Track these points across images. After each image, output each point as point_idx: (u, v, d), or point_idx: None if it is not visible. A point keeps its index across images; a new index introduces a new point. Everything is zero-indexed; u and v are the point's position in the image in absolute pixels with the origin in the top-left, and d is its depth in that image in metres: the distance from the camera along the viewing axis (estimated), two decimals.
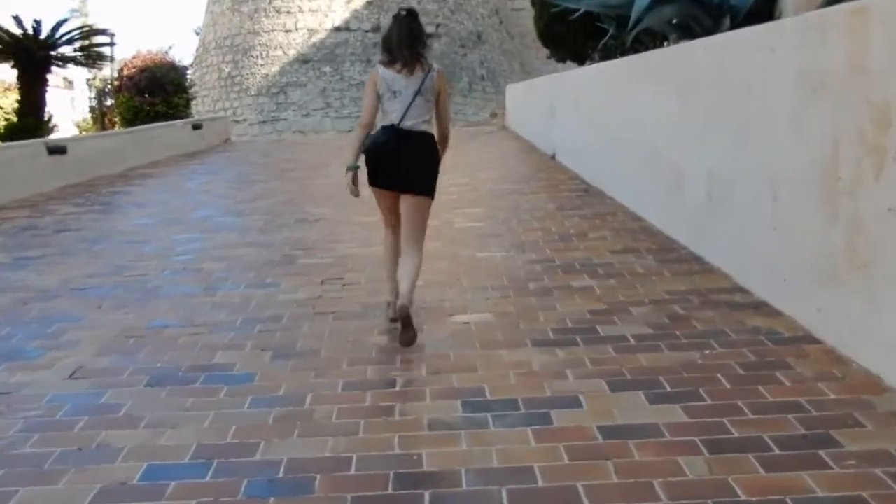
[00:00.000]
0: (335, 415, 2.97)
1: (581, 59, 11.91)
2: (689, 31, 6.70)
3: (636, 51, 8.42)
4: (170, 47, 17.71)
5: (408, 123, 3.94)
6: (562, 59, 12.53)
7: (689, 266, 4.91)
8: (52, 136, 11.72)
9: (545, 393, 3.11)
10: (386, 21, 20.05)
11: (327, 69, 21.93)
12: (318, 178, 9.26)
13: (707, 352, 3.52)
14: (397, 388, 3.25)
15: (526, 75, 27.16)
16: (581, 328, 3.89)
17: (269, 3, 22.63)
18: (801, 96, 3.67)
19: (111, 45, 13.39)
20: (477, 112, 22.68)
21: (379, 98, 3.98)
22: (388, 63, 3.99)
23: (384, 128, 3.98)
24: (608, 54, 8.89)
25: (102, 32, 13.81)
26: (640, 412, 2.90)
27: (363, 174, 4.01)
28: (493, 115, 23.11)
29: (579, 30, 11.23)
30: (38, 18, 11.38)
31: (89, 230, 6.69)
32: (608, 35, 9.04)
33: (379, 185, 4.03)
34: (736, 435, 2.67)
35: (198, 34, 25.40)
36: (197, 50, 25.06)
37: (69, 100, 65.50)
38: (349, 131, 21.18)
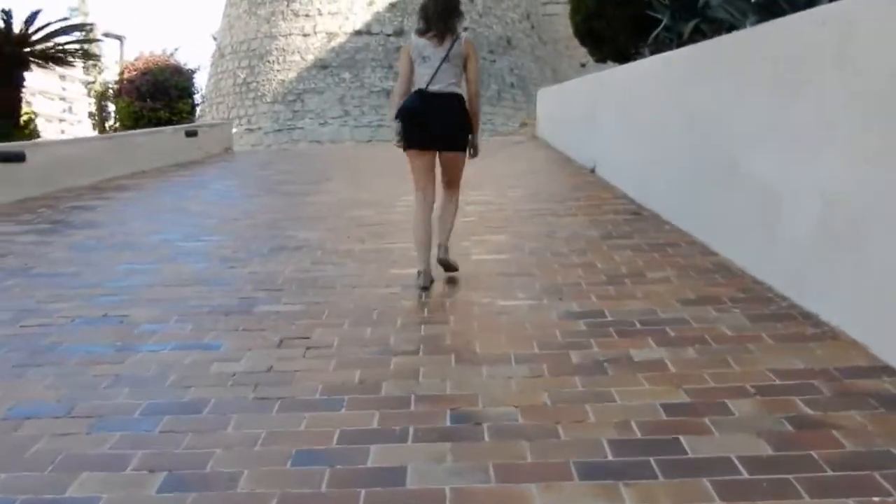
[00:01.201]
0: None
1: (624, 59, 10.47)
2: (773, 11, 5.24)
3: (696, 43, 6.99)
4: (175, 49, 16.48)
5: (435, 87, 4.32)
6: (602, 59, 11.09)
7: (799, 327, 3.46)
8: (34, 142, 10.52)
9: None
10: (410, 24, 18.79)
11: (346, 75, 20.69)
12: (313, 195, 7.92)
13: (877, 500, 2.09)
14: None
15: (558, 84, 25.75)
16: (656, 441, 2.46)
17: (287, 5, 21.47)
18: None
19: (90, 41, 12.17)
20: (506, 122, 21.28)
21: (412, 64, 4.38)
22: (422, 32, 4.39)
23: (414, 92, 4.36)
24: (661, 49, 7.45)
25: (81, 28, 12.59)
26: None
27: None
28: (524, 124, 21.71)
29: (623, 24, 9.79)
30: (7, 9, 10.12)
31: (15, 256, 5.38)
32: (661, 25, 7.59)
33: (414, 146, 4.40)
34: None
35: (215, 39, 24.34)
36: (213, 55, 23.99)
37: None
38: (368, 141, 19.93)
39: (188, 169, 10.32)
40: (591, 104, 8.77)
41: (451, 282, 4.53)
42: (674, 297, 3.97)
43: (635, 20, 9.81)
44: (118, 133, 11.04)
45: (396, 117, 4.38)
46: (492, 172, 8.91)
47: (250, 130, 20.90)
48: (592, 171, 8.48)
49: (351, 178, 9.34)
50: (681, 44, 7.40)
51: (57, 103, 57.14)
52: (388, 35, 20.94)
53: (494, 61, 21.99)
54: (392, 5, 21.09)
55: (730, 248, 4.60)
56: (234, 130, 21.10)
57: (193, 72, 16.17)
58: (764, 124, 4.14)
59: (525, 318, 3.79)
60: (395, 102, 4.45)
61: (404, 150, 4.44)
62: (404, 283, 4.47)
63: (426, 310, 4.04)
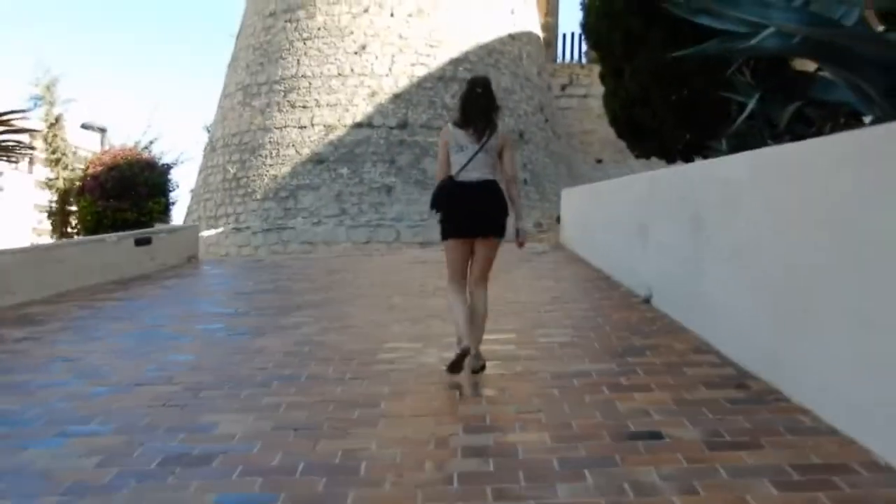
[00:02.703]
0: None
1: (671, 156, 8.54)
2: None
3: (795, 136, 4.95)
4: (151, 141, 14.67)
5: (472, 175, 4.43)
6: (644, 154, 9.17)
7: None
8: None
9: None
10: (414, 116, 17.12)
11: (344, 170, 18.88)
12: (267, 335, 5.78)
13: None
14: None
15: (572, 181, 23.96)
16: None
17: (284, 96, 19.91)
18: None
19: (16, 130, 10.22)
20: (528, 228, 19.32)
21: (448, 152, 4.53)
22: (462, 125, 4.52)
23: (447, 179, 4.48)
24: (746, 142, 5.41)
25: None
26: None
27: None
28: (539, 225, 19.77)
29: (672, 111, 7.86)
30: None
31: None
32: (746, 111, 5.56)
33: (451, 235, 4.50)
34: None
35: (208, 131, 22.80)
36: (205, 149, 22.39)
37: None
38: (366, 243, 17.95)
39: (127, 289, 8.22)
40: (640, 211, 6.71)
41: None
42: None
43: (689, 106, 7.87)
44: (39, 244, 8.97)
45: (432, 207, 4.55)
46: (513, 299, 6.78)
47: (237, 230, 18.98)
48: (647, 301, 6.34)
49: (330, 301, 7.22)
50: (777, 136, 5.36)
51: None
52: (391, 128, 19.26)
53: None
54: (396, 96, 19.50)
55: None
56: (219, 230, 19.23)
57: (169, 167, 14.38)
58: None
59: None
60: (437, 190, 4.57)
61: (442, 239, 4.57)
62: None
63: None
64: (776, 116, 5.44)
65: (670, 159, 8.76)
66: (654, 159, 9.26)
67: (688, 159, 8.65)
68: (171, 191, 14.27)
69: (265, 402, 4.11)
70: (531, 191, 20.63)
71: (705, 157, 7.62)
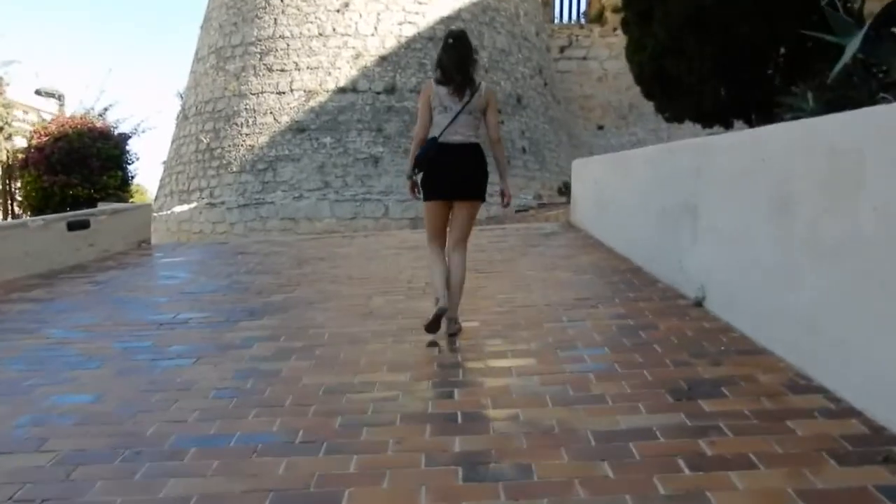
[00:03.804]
0: None
1: (711, 119, 7.06)
2: None
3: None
4: (106, 108, 13.03)
5: (453, 138, 4.42)
6: (676, 118, 7.70)
7: None
8: None
9: None
10: (403, 80, 15.56)
11: (328, 140, 17.32)
12: (203, 362, 4.35)
13: None
14: None
15: (574, 149, 22.44)
16: None
17: (260, 59, 18.27)
18: None
19: None
20: (517, 194, 17.84)
21: (431, 111, 4.48)
22: (442, 82, 4.48)
23: (430, 141, 4.45)
24: (844, 97, 3.95)
25: None
26: None
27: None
28: (539, 197, 18.30)
29: (714, 63, 6.37)
30: None
31: None
32: (846, 54, 4.07)
33: (433, 197, 4.52)
34: None
35: (181, 98, 21.13)
36: (177, 118, 20.75)
37: None
38: (352, 219, 16.48)
39: (51, 285, 6.74)
40: (685, 188, 5.25)
41: None
42: None
43: (733, 57, 6.37)
44: None
45: (414, 167, 4.48)
46: (525, 300, 5.37)
47: (212, 205, 17.45)
48: (699, 303, 4.91)
49: (294, 304, 5.79)
50: (887, 85, 3.90)
51: None
52: (378, 93, 17.67)
53: (502, 122, 18.66)
54: (382, 58, 17.89)
55: None
56: (191, 206, 17.71)
57: (127, 136, 12.79)
58: None
59: None
60: (414, 150, 4.50)
61: (423, 200, 4.57)
62: None
63: None
64: (888, 61, 3.97)
65: (707, 122, 7.31)
66: (688, 123, 7.77)
67: (727, 124, 7.19)
68: (129, 163, 12.70)
69: (167, 493, 2.68)
70: (530, 160, 19.14)
71: (766, 118, 6.14)
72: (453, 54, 4.44)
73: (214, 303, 5.92)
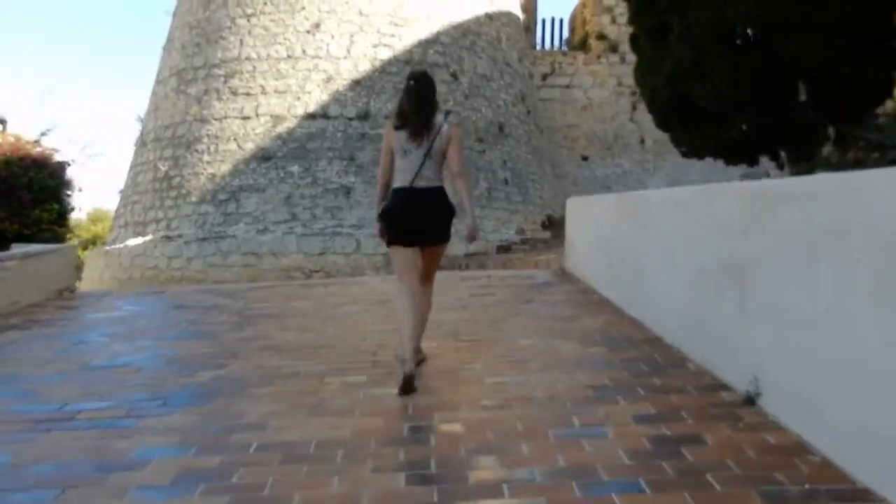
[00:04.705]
0: None
1: (733, 154, 5.91)
2: None
3: None
4: (42, 133, 11.67)
5: (420, 183, 4.36)
6: (696, 152, 6.53)
7: None
8: None
9: None
10: (377, 105, 14.45)
11: (295, 168, 16.05)
12: None
13: None
14: None
15: (557, 180, 21.39)
16: None
17: (224, 82, 17.02)
18: None
19: None
20: (498, 228, 16.70)
21: (392, 154, 4.45)
22: (400, 127, 4.41)
23: (396, 191, 4.44)
24: None
25: None
26: None
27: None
28: (522, 232, 17.14)
29: (741, 87, 5.23)
30: None
31: None
32: None
33: (399, 242, 4.47)
34: None
35: (141, 122, 19.78)
36: (136, 143, 19.41)
37: None
38: (321, 254, 15.20)
39: None
40: (728, 244, 4.06)
41: None
42: None
43: (778, 80, 5.21)
44: None
45: (381, 217, 4.48)
46: (521, 391, 4.13)
47: (168, 238, 16.08)
48: (751, 400, 3.70)
49: (203, 423, 4.50)
50: None
51: None
52: (350, 119, 16.48)
53: (483, 152, 17.56)
54: (356, 83, 16.73)
55: None
56: (146, 239, 16.35)
57: (65, 165, 11.44)
58: None
59: None
60: (379, 194, 4.56)
61: (388, 245, 4.55)
62: None
63: None
64: None
65: (731, 158, 6.16)
66: (707, 160, 6.61)
67: (752, 161, 6.06)
68: (68, 194, 11.32)
69: None
70: (512, 192, 18.01)
71: (797, 155, 4.97)
72: (414, 97, 4.39)
73: (122, 384, 4.61)
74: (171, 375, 4.74)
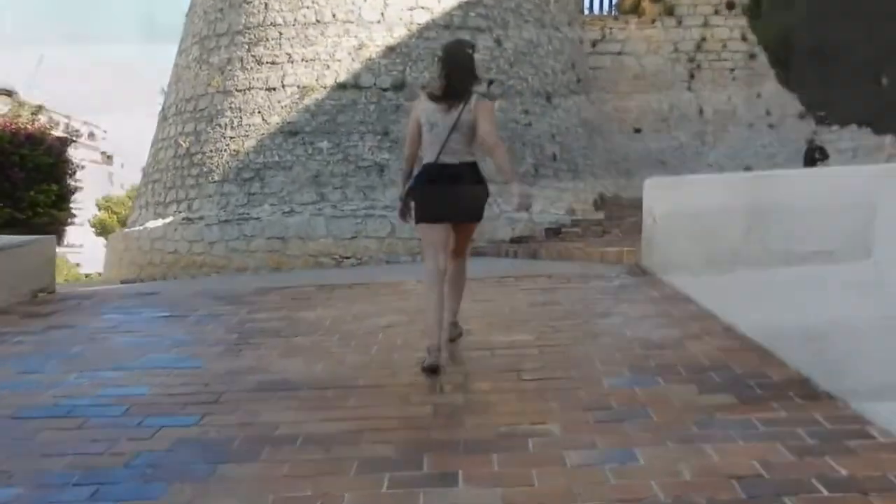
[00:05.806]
0: None
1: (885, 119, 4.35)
2: None
3: None
4: (38, 107, 10.41)
5: (446, 158, 4.17)
6: (839, 118, 4.82)
7: None
8: None
9: None
10: (414, 74, 12.96)
11: (324, 144, 14.68)
12: None
13: None
14: None
15: (608, 154, 19.71)
16: None
17: (248, 50, 15.70)
18: None
19: None
20: (547, 208, 15.14)
21: (419, 129, 4.25)
22: (434, 98, 4.24)
23: (425, 166, 4.25)
24: None
25: None
26: None
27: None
28: (572, 212, 15.59)
29: None
30: None
31: None
32: None
33: (427, 220, 4.27)
34: None
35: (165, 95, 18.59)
36: (158, 117, 18.23)
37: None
38: (352, 238, 13.85)
39: None
40: None
41: None
42: None
43: None
44: None
45: (407, 196, 4.29)
46: (621, 470, 2.65)
47: (189, 220, 14.86)
48: None
49: (182, 472, 3.15)
50: None
51: None
52: (384, 90, 15.03)
53: (530, 124, 16.00)
54: (390, 49, 15.26)
55: None
56: (166, 221, 15.17)
57: (68, 141, 10.21)
58: None
59: None
60: (404, 170, 4.41)
61: (415, 223, 4.35)
62: None
63: None
64: None
65: (880, 126, 4.60)
66: (835, 128, 5.03)
67: None
68: (69, 174, 10.08)
69: None
70: (561, 168, 16.46)
71: None
72: (447, 67, 4.25)
73: (50, 449, 3.26)
74: (121, 434, 3.37)
